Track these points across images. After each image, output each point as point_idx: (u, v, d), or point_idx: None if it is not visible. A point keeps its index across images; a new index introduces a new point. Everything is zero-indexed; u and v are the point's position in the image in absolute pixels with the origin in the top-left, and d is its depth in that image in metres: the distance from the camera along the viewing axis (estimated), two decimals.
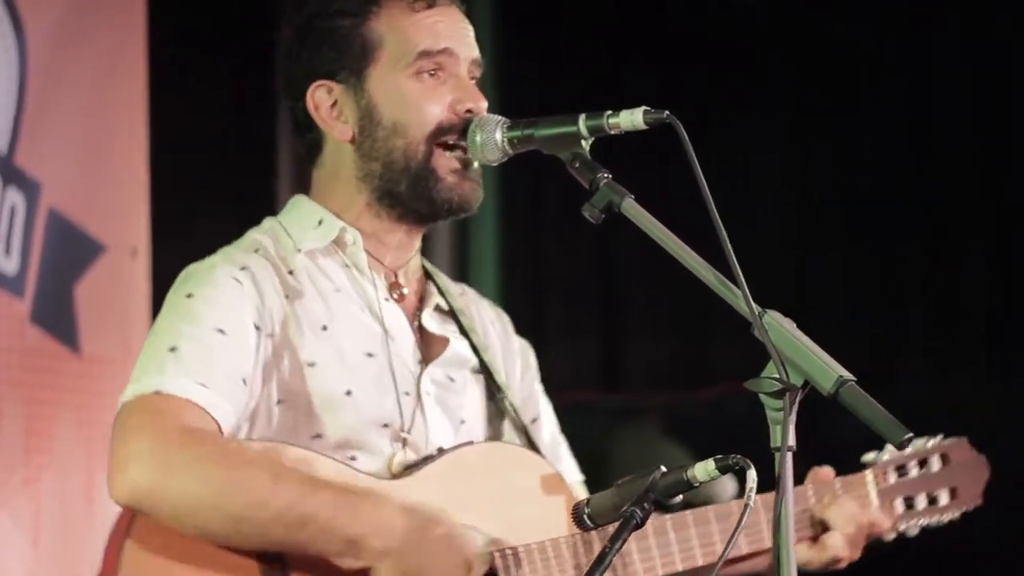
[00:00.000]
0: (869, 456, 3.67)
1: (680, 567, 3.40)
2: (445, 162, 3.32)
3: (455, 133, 3.31)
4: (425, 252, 3.53)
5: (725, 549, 2.85)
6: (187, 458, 3.06)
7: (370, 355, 3.33)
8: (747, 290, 2.75)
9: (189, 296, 3.23)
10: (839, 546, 3.55)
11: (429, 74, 3.33)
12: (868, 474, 3.65)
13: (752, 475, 2.76)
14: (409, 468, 3.31)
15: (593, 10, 6.22)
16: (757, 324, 2.73)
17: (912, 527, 3.68)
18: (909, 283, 6.16)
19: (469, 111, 3.31)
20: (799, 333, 2.74)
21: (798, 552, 3.47)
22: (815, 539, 3.56)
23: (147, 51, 5.03)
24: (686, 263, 2.84)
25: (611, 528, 2.89)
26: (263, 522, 3.07)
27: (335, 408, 3.27)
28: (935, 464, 3.72)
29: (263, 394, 3.24)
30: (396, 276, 3.43)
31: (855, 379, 2.67)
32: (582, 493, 3.56)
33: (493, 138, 3.22)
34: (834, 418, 2.79)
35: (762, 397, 2.70)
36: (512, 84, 5.23)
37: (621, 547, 2.82)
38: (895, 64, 6.16)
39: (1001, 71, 6.02)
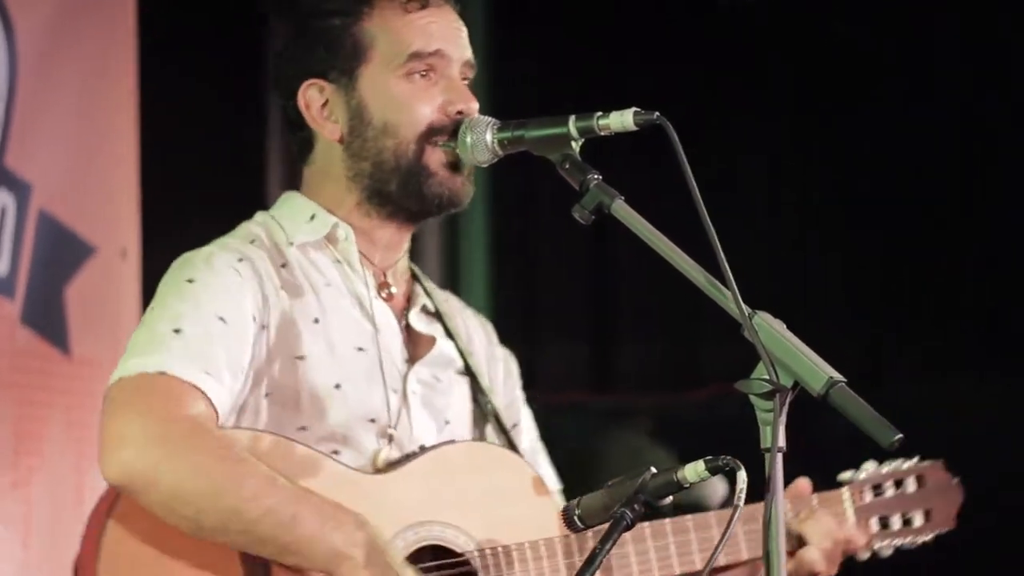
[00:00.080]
0: (845, 475, 3.67)
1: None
2: (436, 157, 3.32)
3: (445, 134, 3.31)
4: (415, 252, 3.53)
5: (714, 553, 2.82)
6: (189, 447, 3.04)
7: (360, 350, 3.33)
8: (737, 291, 2.74)
9: (190, 281, 3.22)
10: (816, 560, 3.52)
11: (420, 75, 3.33)
12: (845, 491, 3.64)
13: (742, 476, 2.75)
14: (392, 464, 3.30)
15: (588, 10, 6.21)
16: (747, 325, 2.73)
17: (886, 547, 3.68)
18: (908, 283, 6.14)
19: (460, 112, 3.31)
20: (789, 334, 2.73)
21: None
22: (791, 553, 3.53)
23: (137, 52, 5.02)
24: (676, 264, 2.84)
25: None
26: (253, 519, 3.05)
27: (324, 401, 3.26)
28: (911, 485, 3.71)
29: (253, 388, 3.23)
30: (385, 276, 3.43)
31: (845, 380, 2.66)
32: (560, 503, 3.54)
33: (483, 139, 3.22)
34: (824, 419, 2.78)
35: (752, 398, 2.69)
36: (506, 85, 5.22)
37: (611, 548, 2.82)
38: (895, 64, 6.15)
39: (1001, 71, 6.00)
